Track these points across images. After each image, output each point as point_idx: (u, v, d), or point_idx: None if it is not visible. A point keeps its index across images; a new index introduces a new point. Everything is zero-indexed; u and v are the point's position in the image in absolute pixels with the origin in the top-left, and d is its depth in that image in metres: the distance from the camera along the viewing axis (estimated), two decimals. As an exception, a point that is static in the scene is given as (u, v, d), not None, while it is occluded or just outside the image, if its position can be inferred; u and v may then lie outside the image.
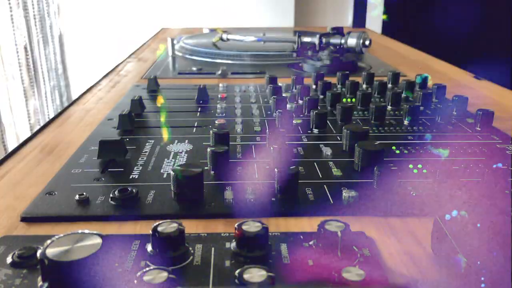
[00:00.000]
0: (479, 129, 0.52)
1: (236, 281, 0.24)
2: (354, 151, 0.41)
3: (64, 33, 1.86)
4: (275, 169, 0.37)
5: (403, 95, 0.65)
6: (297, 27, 1.74)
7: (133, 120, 0.53)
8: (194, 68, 0.88)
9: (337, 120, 0.55)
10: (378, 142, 0.43)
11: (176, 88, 0.72)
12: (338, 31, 0.89)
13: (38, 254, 0.24)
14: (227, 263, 0.28)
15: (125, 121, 0.52)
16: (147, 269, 0.24)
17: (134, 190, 0.36)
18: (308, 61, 0.86)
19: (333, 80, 0.72)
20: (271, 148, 0.41)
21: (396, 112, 0.59)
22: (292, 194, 0.36)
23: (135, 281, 0.23)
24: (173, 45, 1.02)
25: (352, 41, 0.86)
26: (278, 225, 0.33)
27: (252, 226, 0.28)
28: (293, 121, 0.53)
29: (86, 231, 0.26)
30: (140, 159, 0.44)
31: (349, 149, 0.45)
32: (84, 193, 0.36)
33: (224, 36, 1.05)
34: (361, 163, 0.41)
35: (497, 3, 1.63)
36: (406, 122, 0.54)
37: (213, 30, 1.21)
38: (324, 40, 0.87)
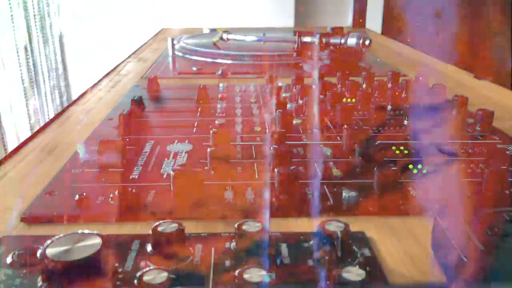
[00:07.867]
0: (479, 129, 0.52)
1: (236, 281, 0.24)
2: (354, 151, 0.41)
3: (64, 33, 1.86)
4: (275, 169, 0.37)
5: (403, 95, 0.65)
6: (297, 27, 1.74)
7: (133, 120, 0.53)
8: (194, 68, 0.88)
9: (337, 120, 0.55)
10: (378, 142, 0.43)
11: (176, 88, 0.72)
12: (338, 31, 0.89)
13: (38, 254, 0.24)
14: (227, 263, 0.28)
15: (125, 121, 0.52)
16: (147, 269, 0.24)
17: (134, 190, 0.36)
18: (308, 61, 0.86)
19: (333, 80, 0.72)
20: (271, 148, 0.41)
21: (396, 112, 0.59)
22: (292, 194, 0.36)
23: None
24: (173, 45, 1.01)
25: (352, 41, 0.86)
26: (278, 225, 0.33)
27: (252, 226, 0.28)
28: (293, 121, 0.53)
29: (86, 231, 0.26)
30: (140, 159, 0.44)
31: (349, 149, 0.45)
32: (84, 193, 0.36)
33: (225, 36, 1.05)
34: (361, 163, 0.41)
35: (497, 2, 1.63)
36: (406, 122, 0.54)
37: (213, 30, 1.21)
38: (324, 40, 0.87)
